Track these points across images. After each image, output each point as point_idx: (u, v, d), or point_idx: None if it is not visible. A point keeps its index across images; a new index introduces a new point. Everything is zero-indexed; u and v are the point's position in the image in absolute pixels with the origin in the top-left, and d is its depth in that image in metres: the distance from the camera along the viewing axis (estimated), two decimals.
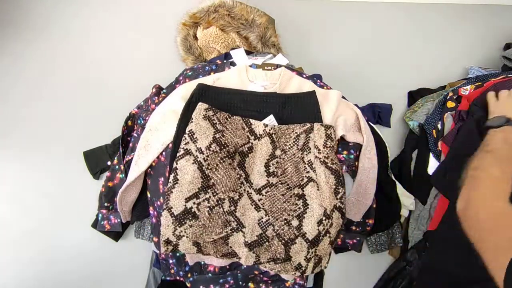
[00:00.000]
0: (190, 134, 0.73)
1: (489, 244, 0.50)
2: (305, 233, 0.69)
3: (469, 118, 0.85)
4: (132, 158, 0.81)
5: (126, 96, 0.88)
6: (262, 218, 0.71)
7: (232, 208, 0.71)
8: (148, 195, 0.80)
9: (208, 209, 0.69)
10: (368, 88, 1.09)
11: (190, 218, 0.69)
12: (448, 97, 0.94)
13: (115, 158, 0.87)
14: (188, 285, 0.81)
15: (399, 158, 1.03)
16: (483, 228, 0.52)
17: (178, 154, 0.72)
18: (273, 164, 0.75)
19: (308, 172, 0.74)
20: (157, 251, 0.82)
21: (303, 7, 1.15)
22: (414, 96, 1.08)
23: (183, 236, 0.69)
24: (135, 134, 0.87)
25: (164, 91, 0.88)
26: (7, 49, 1.04)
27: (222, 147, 0.73)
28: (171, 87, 0.87)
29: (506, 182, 0.57)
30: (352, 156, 0.81)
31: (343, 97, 0.86)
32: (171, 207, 0.69)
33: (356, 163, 0.82)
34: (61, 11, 1.08)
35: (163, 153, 0.77)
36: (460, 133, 0.84)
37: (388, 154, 0.91)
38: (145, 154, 0.78)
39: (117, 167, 0.86)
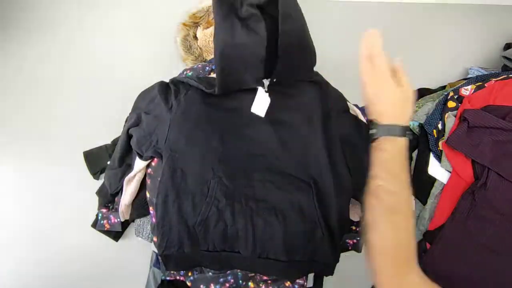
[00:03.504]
0: None
1: None
2: None
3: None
4: None
5: (126, 96, 0.89)
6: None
7: None
8: (148, 195, 0.80)
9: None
10: None
11: None
12: (449, 97, 0.94)
13: None
14: (189, 284, 0.81)
15: None
16: None
17: None
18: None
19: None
20: (157, 251, 0.82)
21: (303, 7, 1.15)
22: None
23: None
24: None
25: None
26: (8, 50, 1.04)
27: None
28: None
29: (404, 244, 0.50)
30: None
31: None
32: None
33: None
34: (60, 12, 1.08)
35: None
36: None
37: None
38: None
39: None
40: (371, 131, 0.55)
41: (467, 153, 0.84)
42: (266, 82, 0.71)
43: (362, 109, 1.03)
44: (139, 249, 0.93)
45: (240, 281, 0.80)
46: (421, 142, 0.97)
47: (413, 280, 0.45)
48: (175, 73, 0.94)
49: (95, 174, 0.96)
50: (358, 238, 0.88)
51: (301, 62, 0.71)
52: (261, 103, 0.73)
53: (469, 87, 0.93)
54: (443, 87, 1.07)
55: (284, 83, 0.75)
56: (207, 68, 0.88)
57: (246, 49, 0.63)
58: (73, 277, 0.92)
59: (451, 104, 0.92)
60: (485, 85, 0.92)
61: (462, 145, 0.84)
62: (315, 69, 0.81)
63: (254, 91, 0.73)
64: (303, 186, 0.72)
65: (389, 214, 0.49)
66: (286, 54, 0.65)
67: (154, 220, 0.79)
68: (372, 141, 0.55)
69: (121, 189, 0.83)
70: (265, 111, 0.73)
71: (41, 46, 1.05)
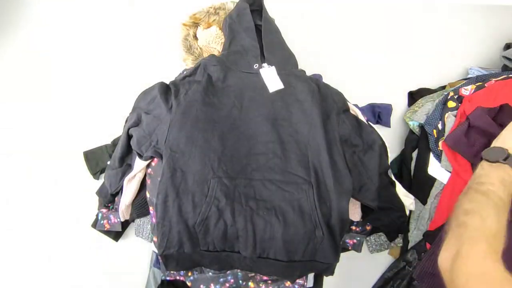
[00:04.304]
0: None
1: None
2: None
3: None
4: None
5: (126, 96, 0.89)
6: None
7: None
8: (148, 195, 0.80)
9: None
10: (368, 88, 1.09)
11: None
12: (449, 97, 0.94)
13: None
14: (189, 284, 0.81)
15: (399, 158, 1.03)
16: None
17: None
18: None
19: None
20: (157, 251, 0.82)
21: (303, 7, 1.15)
22: (414, 96, 1.08)
23: None
24: None
25: None
26: (8, 48, 1.04)
27: None
28: None
29: (500, 237, 0.48)
30: None
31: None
32: None
33: None
34: (61, 11, 1.08)
35: None
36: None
37: (388, 154, 0.91)
38: None
39: None
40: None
41: (463, 153, 0.84)
42: (266, 65, 0.83)
43: (362, 109, 1.03)
44: (139, 249, 0.93)
45: (240, 281, 0.80)
46: (421, 142, 0.97)
47: (499, 268, 0.44)
48: (175, 73, 0.94)
49: (95, 174, 0.96)
50: (358, 238, 0.88)
51: (280, 52, 0.87)
52: (270, 77, 0.81)
53: (469, 87, 0.93)
54: (443, 87, 1.07)
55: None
56: None
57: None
58: (73, 277, 0.92)
59: (451, 104, 0.92)
60: (485, 85, 0.92)
61: (459, 145, 0.84)
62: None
63: (255, 85, 0.77)
64: (303, 185, 0.72)
65: (495, 208, 0.52)
66: (268, 44, 0.85)
67: (154, 220, 0.79)
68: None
69: (121, 189, 0.83)
70: (279, 81, 0.81)
71: (42, 45, 1.05)
